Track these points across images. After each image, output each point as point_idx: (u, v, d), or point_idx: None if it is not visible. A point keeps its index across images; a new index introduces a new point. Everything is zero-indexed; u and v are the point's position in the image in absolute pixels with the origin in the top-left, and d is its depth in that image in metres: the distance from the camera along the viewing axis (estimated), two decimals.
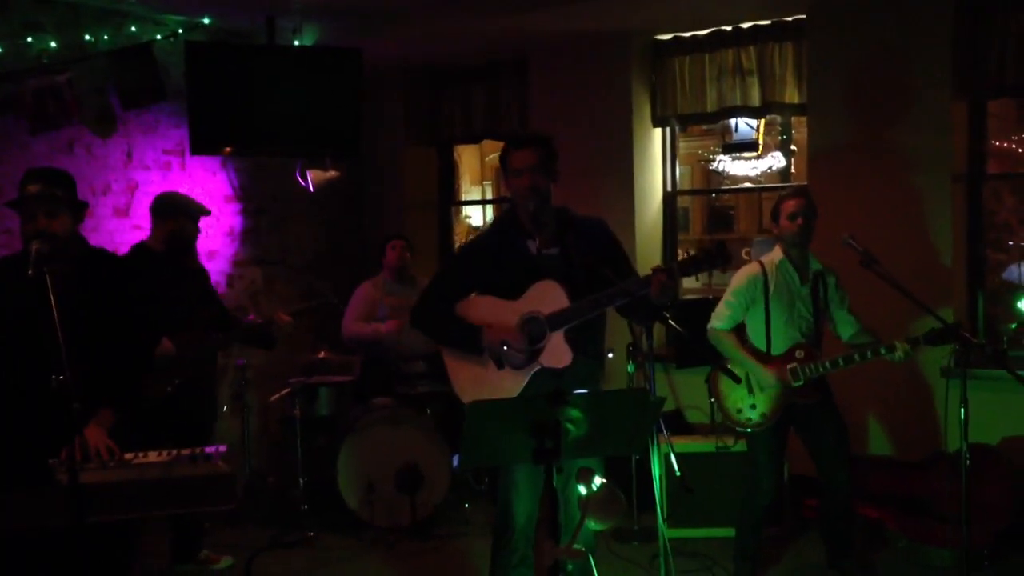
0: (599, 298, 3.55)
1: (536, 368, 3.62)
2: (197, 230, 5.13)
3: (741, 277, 4.61)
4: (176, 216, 5.02)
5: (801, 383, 4.46)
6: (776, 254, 4.58)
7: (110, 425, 3.48)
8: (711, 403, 4.89)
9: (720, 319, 4.60)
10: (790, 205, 4.51)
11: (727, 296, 4.62)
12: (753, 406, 4.53)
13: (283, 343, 5.45)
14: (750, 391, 4.53)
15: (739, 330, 4.65)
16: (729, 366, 4.54)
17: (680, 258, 6.60)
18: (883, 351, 4.37)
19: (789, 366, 4.47)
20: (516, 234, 3.75)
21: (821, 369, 4.45)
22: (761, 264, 4.58)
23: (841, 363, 4.44)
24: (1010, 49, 5.36)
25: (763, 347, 4.56)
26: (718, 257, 3.52)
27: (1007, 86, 5.47)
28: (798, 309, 4.54)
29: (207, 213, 5.24)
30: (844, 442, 4.60)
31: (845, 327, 4.62)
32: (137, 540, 3.74)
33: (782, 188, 6.96)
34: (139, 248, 5.05)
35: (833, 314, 4.62)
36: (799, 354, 4.49)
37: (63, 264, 3.42)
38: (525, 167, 3.66)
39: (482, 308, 3.74)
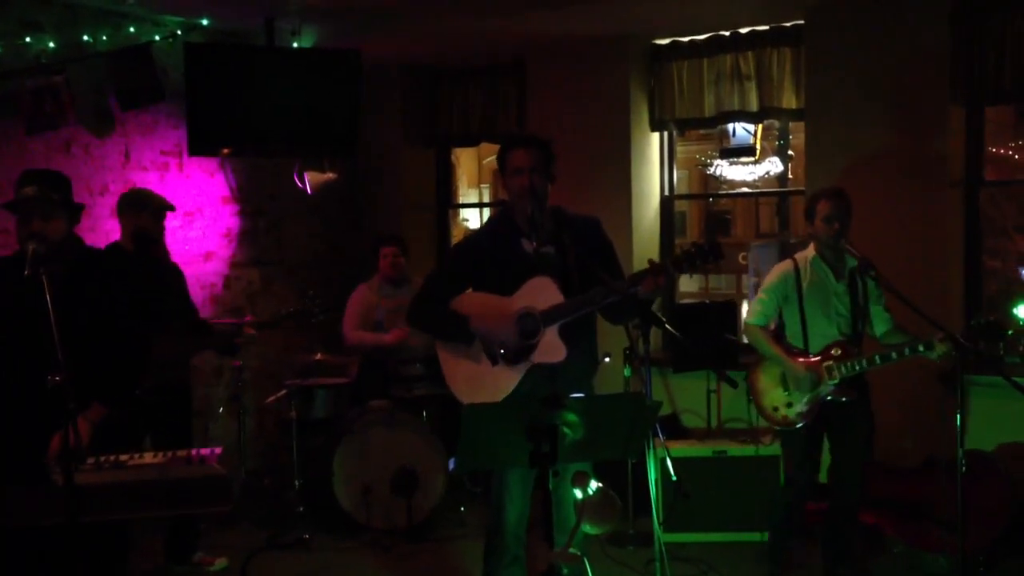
0: (592, 295, 3.55)
1: (530, 364, 3.61)
2: (161, 227, 5.06)
3: (773, 274, 4.61)
4: (138, 212, 4.95)
5: (837, 381, 4.42)
6: (809, 251, 4.56)
7: (98, 419, 3.48)
8: (748, 402, 4.89)
9: (753, 315, 4.60)
10: (826, 207, 4.43)
11: (759, 293, 4.63)
12: (790, 404, 4.50)
13: (280, 345, 5.45)
14: (786, 389, 4.52)
15: (779, 330, 4.63)
16: (764, 363, 4.57)
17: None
18: (922, 348, 4.28)
19: (825, 364, 4.43)
20: (511, 233, 3.75)
21: (857, 367, 4.39)
22: (794, 261, 4.56)
23: (878, 361, 4.38)
24: (1008, 56, 5.37)
25: (801, 345, 4.53)
26: (711, 253, 3.48)
27: (1005, 92, 5.48)
28: (834, 306, 4.50)
29: (171, 209, 5.16)
30: (869, 446, 4.58)
31: (880, 323, 4.58)
32: (125, 540, 3.73)
33: (779, 193, 6.98)
34: (112, 248, 4.97)
35: (871, 309, 4.57)
36: (836, 352, 4.44)
37: (59, 265, 3.41)
38: (524, 167, 3.66)
39: (476, 304, 3.73)
